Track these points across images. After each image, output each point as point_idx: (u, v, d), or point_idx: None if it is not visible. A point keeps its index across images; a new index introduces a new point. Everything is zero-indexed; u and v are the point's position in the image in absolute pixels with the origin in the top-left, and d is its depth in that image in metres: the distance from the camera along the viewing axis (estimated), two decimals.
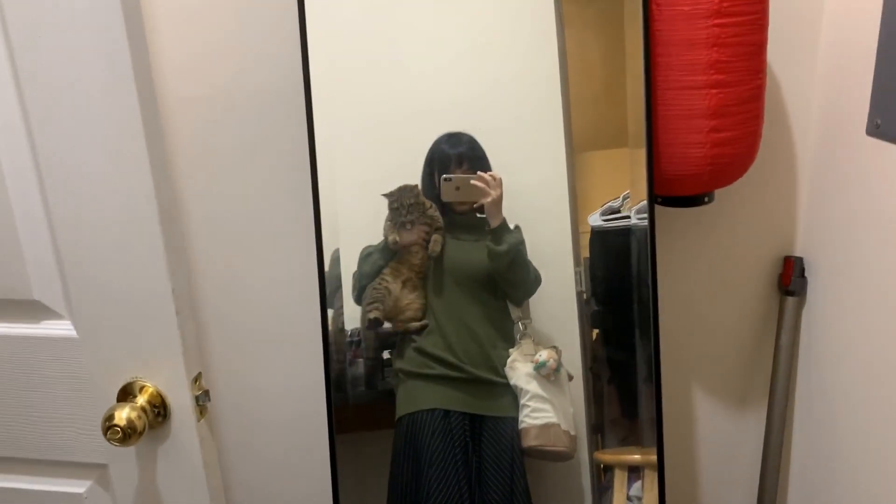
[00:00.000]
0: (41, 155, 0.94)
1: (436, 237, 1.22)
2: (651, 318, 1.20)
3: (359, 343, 1.26)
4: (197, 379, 1.02)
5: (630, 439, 1.27)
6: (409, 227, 1.20)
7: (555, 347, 1.24)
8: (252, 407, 1.45)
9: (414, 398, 1.25)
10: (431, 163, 1.21)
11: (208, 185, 1.31)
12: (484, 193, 1.19)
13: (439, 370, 1.23)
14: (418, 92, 1.21)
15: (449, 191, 1.20)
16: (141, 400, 1.00)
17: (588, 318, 1.25)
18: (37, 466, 1.10)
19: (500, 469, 1.23)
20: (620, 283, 1.23)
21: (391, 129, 1.22)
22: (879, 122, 1.04)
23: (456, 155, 1.20)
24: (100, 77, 0.89)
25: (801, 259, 1.31)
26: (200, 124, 1.27)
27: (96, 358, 1.01)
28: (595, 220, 1.22)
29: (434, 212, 1.21)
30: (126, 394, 1.01)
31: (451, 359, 1.23)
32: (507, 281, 1.23)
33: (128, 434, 0.96)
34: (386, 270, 1.23)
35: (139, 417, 0.97)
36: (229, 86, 1.25)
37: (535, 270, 1.22)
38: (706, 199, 1.20)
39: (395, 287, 1.22)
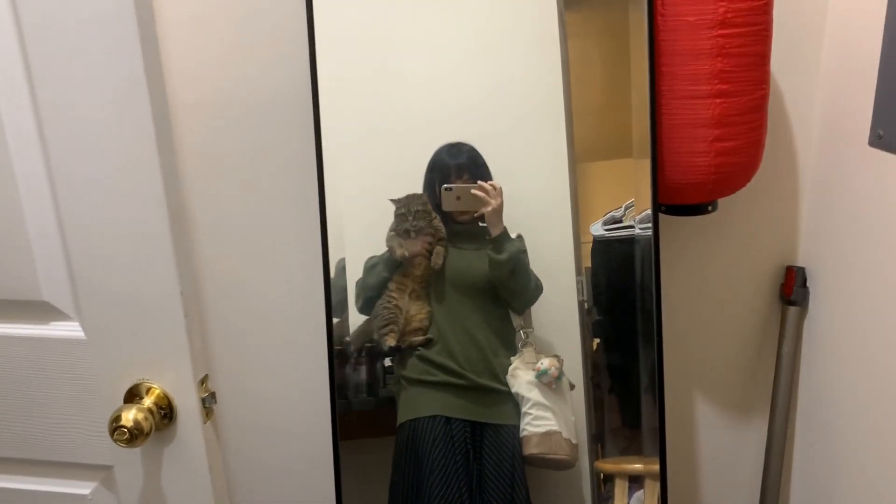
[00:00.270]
0: (53, 158, 0.95)
1: (438, 249, 1.22)
2: (654, 327, 1.20)
3: (361, 351, 1.26)
4: (203, 381, 1.02)
5: (631, 448, 1.27)
6: (413, 234, 1.21)
7: (556, 356, 1.24)
8: (255, 412, 1.45)
9: (415, 405, 1.25)
10: (432, 173, 1.21)
11: (215, 191, 1.31)
12: (484, 203, 1.20)
13: (441, 377, 1.24)
14: (422, 101, 1.22)
15: (450, 200, 1.20)
16: (148, 401, 1.00)
17: (589, 328, 1.25)
18: (42, 467, 1.09)
19: (501, 476, 1.23)
20: (622, 293, 1.23)
21: (395, 138, 1.23)
22: (882, 132, 1.05)
23: (456, 165, 1.21)
24: (112, 83, 0.90)
25: (803, 269, 1.32)
26: (208, 130, 1.28)
27: (104, 359, 1.01)
28: (597, 229, 1.23)
29: (438, 222, 1.22)
30: (133, 395, 1.01)
31: (452, 366, 1.23)
32: (508, 290, 1.23)
33: (134, 435, 0.96)
34: (391, 285, 1.23)
35: (146, 419, 0.97)
36: (236, 93, 1.26)
37: (537, 279, 1.23)
38: (709, 208, 1.20)
39: (403, 301, 1.23)
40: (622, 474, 1.27)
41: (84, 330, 1.01)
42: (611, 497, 1.27)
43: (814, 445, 1.34)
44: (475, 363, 1.24)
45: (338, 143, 1.20)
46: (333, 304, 1.24)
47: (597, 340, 1.26)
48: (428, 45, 1.22)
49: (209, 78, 1.25)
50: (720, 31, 1.05)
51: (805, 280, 1.31)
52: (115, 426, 0.96)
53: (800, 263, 1.34)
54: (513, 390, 1.24)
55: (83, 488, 1.11)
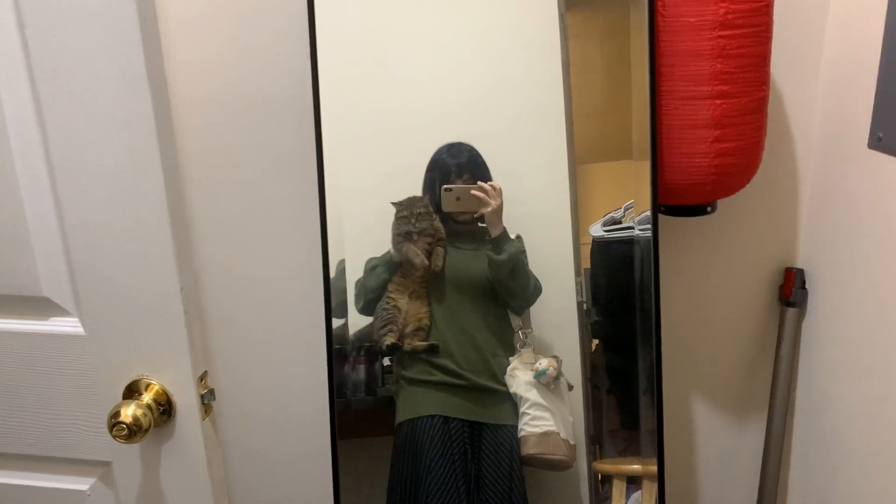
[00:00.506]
0: (54, 154, 0.95)
1: (438, 250, 1.22)
2: (653, 328, 1.20)
3: (360, 350, 1.27)
4: (203, 378, 1.02)
5: (629, 449, 1.27)
6: (415, 237, 1.21)
7: (555, 356, 1.24)
8: (254, 409, 1.45)
9: (414, 404, 1.25)
10: (433, 172, 1.22)
11: (216, 188, 1.31)
12: (484, 203, 1.20)
13: (440, 377, 1.23)
14: (423, 101, 1.22)
15: (449, 201, 1.21)
16: (147, 397, 1.00)
17: (588, 328, 1.25)
18: (40, 463, 1.09)
19: (499, 476, 1.23)
20: (621, 294, 1.23)
21: (395, 138, 1.23)
22: (881, 135, 1.05)
23: (457, 165, 1.21)
24: (114, 79, 0.90)
25: (802, 270, 1.32)
26: (208, 127, 1.28)
27: (103, 355, 1.01)
28: (596, 230, 1.23)
29: (438, 222, 1.22)
30: (132, 391, 1.01)
31: (451, 366, 1.23)
32: (507, 290, 1.23)
33: (133, 431, 0.96)
34: (390, 287, 1.24)
35: (145, 415, 0.97)
36: (237, 90, 1.26)
37: (536, 280, 1.23)
38: (708, 209, 1.20)
39: (402, 302, 1.23)
40: (620, 475, 1.27)
41: (84, 326, 1.01)
42: (608, 498, 1.27)
43: (812, 447, 1.34)
44: (474, 363, 1.24)
45: (338, 142, 1.20)
46: (334, 304, 1.24)
47: (595, 341, 1.26)
48: (429, 45, 1.22)
49: (210, 75, 1.25)
50: (721, 32, 1.05)
51: (804, 282, 1.32)
52: (113, 422, 0.96)
53: (799, 265, 1.34)
54: (511, 390, 1.24)
55: (82, 484, 1.10)
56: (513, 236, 1.22)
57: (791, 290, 1.31)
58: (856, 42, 1.14)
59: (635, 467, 1.26)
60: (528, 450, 1.22)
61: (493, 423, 1.24)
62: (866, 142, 1.10)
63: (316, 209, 1.21)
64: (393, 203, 1.22)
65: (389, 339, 1.23)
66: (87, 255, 0.98)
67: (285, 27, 1.22)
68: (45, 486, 1.10)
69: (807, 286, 1.32)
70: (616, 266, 1.23)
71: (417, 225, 1.21)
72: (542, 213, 1.24)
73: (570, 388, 1.25)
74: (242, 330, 1.40)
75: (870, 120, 1.08)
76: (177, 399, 1.02)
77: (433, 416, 1.23)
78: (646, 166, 1.14)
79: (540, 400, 1.22)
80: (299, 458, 1.47)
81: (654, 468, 1.23)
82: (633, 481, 1.27)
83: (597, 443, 1.27)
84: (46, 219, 0.98)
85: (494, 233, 1.21)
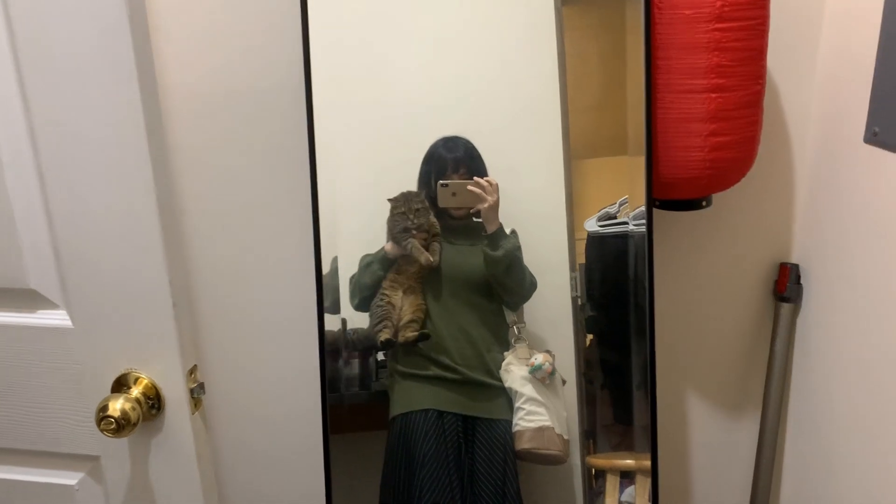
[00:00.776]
0: (40, 143, 0.94)
1: (434, 246, 1.22)
2: (647, 323, 1.20)
3: (354, 344, 1.26)
4: (192, 371, 1.02)
5: (623, 444, 1.27)
6: (413, 232, 1.20)
7: (548, 351, 1.24)
8: (246, 403, 1.44)
9: (408, 399, 1.25)
10: (428, 165, 1.21)
11: (207, 181, 1.30)
12: (480, 199, 1.20)
13: (434, 371, 1.23)
14: (417, 95, 1.21)
15: (445, 196, 1.20)
16: (136, 391, 0.99)
17: (582, 323, 1.25)
18: (28, 457, 1.09)
19: (493, 471, 1.23)
20: (616, 289, 1.23)
21: (389, 132, 1.22)
22: (877, 130, 1.05)
23: (453, 159, 1.20)
24: (102, 67, 0.89)
25: (796, 266, 1.31)
26: (200, 119, 1.27)
27: (91, 348, 1.01)
28: (591, 225, 1.22)
29: (433, 218, 1.22)
30: (120, 385, 1.01)
31: (446, 360, 1.23)
32: (502, 286, 1.23)
33: (122, 425, 0.95)
34: (385, 283, 1.23)
35: (133, 409, 0.97)
36: (228, 82, 1.25)
37: (531, 275, 1.23)
38: (704, 204, 1.20)
39: (397, 298, 1.23)
40: (613, 470, 1.27)
41: (71, 318, 1.01)
42: (602, 492, 1.27)
43: (806, 441, 1.34)
44: (468, 358, 1.24)
45: (331, 135, 1.19)
46: (328, 301, 1.23)
47: (590, 336, 1.26)
48: (424, 38, 1.21)
49: (201, 66, 1.24)
50: (717, 25, 1.04)
51: (799, 277, 1.31)
52: (102, 416, 0.95)
53: (794, 260, 1.34)
54: (506, 385, 1.23)
55: (70, 479, 1.10)
56: (507, 231, 1.21)
57: (785, 285, 1.31)
58: (852, 36, 1.14)
59: (629, 462, 1.26)
60: (523, 444, 1.22)
61: (488, 417, 1.24)
62: (862, 136, 1.09)
63: (308, 202, 1.20)
64: (389, 199, 1.21)
65: (384, 336, 1.22)
66: (75, 247, 0.97)
67: (278, 17, 1.21)
68: (32, 481, 1.10)
69: (801, 281, 1.31)
70: (610, 261, 1.23)
71: (416, 221, 1.20)
72: (537, 208, 1.24)
73: (563, 382, 1.25)
74: (234, 324, 1.39)
75: (865, 114, 1.07)
76: (166, 393, 1.01)
77: (427, 411, 1.23)
78: (641, 161, 1.14)
79: (535, 395, 1.22)
80: (291, 452, 1.47)
81: (648, 463, 1.23)
82: (627, 476, 1.27)
83: (590, 437, 1.27)
84: (33, 210, 0.97)
85: (490, 229, 1.21)
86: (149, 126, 0.91)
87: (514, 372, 1.23)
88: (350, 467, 1.27)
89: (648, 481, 1.25)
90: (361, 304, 1.24)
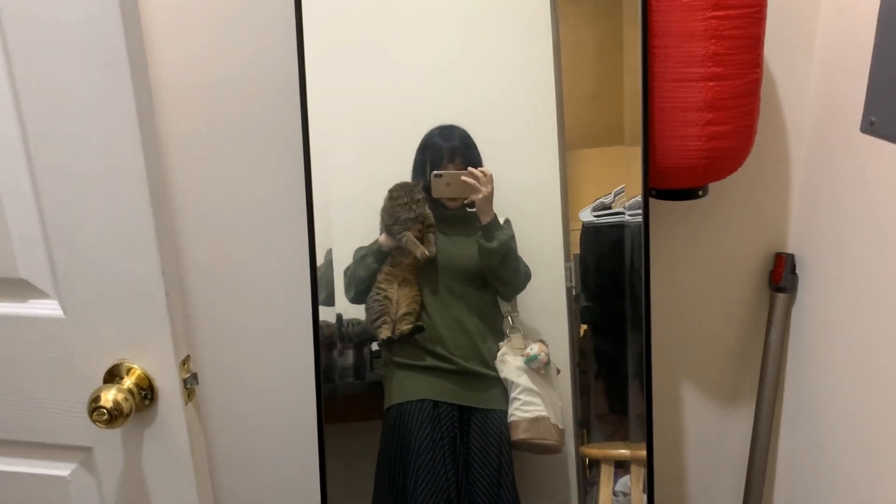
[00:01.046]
0: (30, 132, 0.93)
1: (430, 237, 1.21)
2: (643, 313, 1.20)
3: (351, 338, 1.26)
4: (185, 362, 1.01)
5: (617, 434, 1.27)
6: (410, 224, 1.20)
7: (543, 342, 1.24)
8: (240, 394, 1.44)
9: (403, 389, 1.25)
10: (423, 154, 1.20)
11: (200, 172, 1.30)
12: (475, 190, 1.19)
13: (429, 362, 1.23)
14: (412, 85, 1.21)
15: (439, 187, 1.19)
16: (128, 382, 0.99)
17: (577, 314, 1.24)
18: (20, 448, 1.08)
19: (488, 461, 1.23)
20: (611, 279, 1.23)
21: (384, 122, 1.21)
22: (874, 119, 1.05)
23: (448, 148, 1.20)
24: (94, 56, 0.88)
25: (792, 256, 1.31)
26: (193, 110, 1.26)
27: (83, 338, 1.00)
28: (586, 215, 1.22)
29: (428, 209, 1.21)
30: (113, 375, 1.00)
31: (441, 351, 1.23)
32: (497, 277, 1.23)
33: (114, 416, 0.94)
34: (380, 276, 1.23)
35: (126, 399, 0.96)
36: (222, 72, 1.24)
37: (526, 266, 1.22)
38: (700, 193, 1.20)
39: (393, 292, 1.22)
40: (608, 459, 1.27)
41: (63, 308, 1.00)
42: (596, 482, 1.27)
43: (800, 431, 1.35)
44: (463, 348, 1.23)
45: (325, 125, 1.18)
46: (324, 295, 1.23)
47: (584, 326, 1.26)
48: (419, 27, 1.20)
49: (195, 57, 1.23)
50: (714, 13, 1.04)
51: (794, 267, 1.31)
52: (94, 406, 0.95)
53: (789, 250, 1.34)
54: (501, 375, 1.23)
55: (62, 469, 1.09)
56: (501, 221, 1.21)
57: (781, 275, 1.31)
58: (849, 26, 1.13)
59: (623, 452, 1.27)
60: (519, 434, 1.22)
61: (483, 407, 1.24)
62: (859, 126, 1.09)
63: (302, 193, 1.19)
64: (390, 189, 1.20)
65: (384, 333, 1.22)
66: (66, 236, 0.96)
67: (271, 7, 1.20)
68: (24, 472, 1.09)
69: (797, 271, 1.31)
70: (605, 251, 1.23)
71: (416, 210, 1.19)
72: (532, 199, 1.23)
73: (558, 372, 1.25)
74: (228, 315, 1.39)
75: (862, 104, 1.07)
76: (158, 383, 1.00)
77: (422, 401, 1.23)
78: (637, 151, 1.14)
79: (531, 385, 1.22)
80: (286, 442, 1.47)
81: (642, 453, 1.24)
82: (621, 465, 1.27)
83: (585, 427, 1.27)
84: (23, 198, 0.96)
85: (485, 220, 1.20)
86: (140, 115, 0.90)
87: (510, 362, 1.23)
88: (345, 457, 1.27)
89: (643, 471, 1.25)
90: (357, 297, 1.24)
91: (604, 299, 1.25)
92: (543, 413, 1.22)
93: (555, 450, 1.24)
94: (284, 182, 1.29)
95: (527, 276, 1.23)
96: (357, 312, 1.25)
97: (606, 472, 1.27)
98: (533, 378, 1.23)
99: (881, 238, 1.06)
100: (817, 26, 1.22)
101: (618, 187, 1.20)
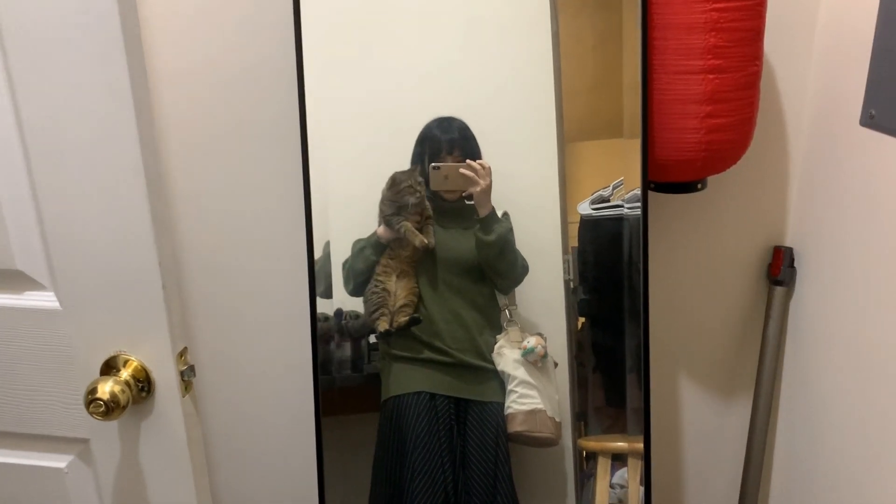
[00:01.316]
0: (26, 122, 0.92)
1: (428, 229, 1.21)
2: (642, 306, 1.20)
3: (349, 332, 1.26)
4: (182, 354, 1.00)
5: (614, 427, 1.27)
6: (412, 210, 1.19)
7: (540, 334, 1.23)
8: (237, 386, 1.44)
9: (400, 381, 1.25)
10: (422, 146, 1.20)
11: (197, 163, 1.29)
12: (473, 182, 1.19)
13: (427, 354, 1.24)
14: (411, 77, 1.20)
15: (438, 179, 1.19)
16: (125, 374, 0.98)
17: (575, 307, 1.24)
18: (16, 440, 1.07)
19: (485, 453, 1.23)
20: (609, 272, 1.23)
21: (382, 114, 1.21)
22: (874, 112, 1.04)
23: (447, 140, 1.19)
24: (89, 45, 0.87)
25: (790, 249, 1.31)
26: (190, 99, 1.25)
27: (80, 330, 0.99)
28: (585, 208, 1.22)
29: (426, 201, 1.21)
30: (109, 367, 0.99)
31: (438, 344, 1.23)
32: (495, 270, 1.23)
33: (111, 408, 0.94)
34: (378, 269, 1.23)
35: (123, 391, 0.95)
36: (220, 63, 1.23)
37: (523, 259, 1.22)
38: (699, 186, 1.20)
39: (391, 284, 1.22)
40: (605, 452, 1.28)
41: (59, 300, 0.99)
42: (593, 475, 1.28)
43: (797, 425, 1.35)
44: (461, 341, 1.24)
45: (323, 116, 1.18)
46: (321, 288, 1.23)
47: (582, 319, 1.26)
48: (418, 19, 1.20)
49: (192, 46, 1.22)
50: (714, 5, 1.04)
51: (792, 260, 1.31)
52: (90, 398, 0.94)
53: (788, 243, 1.34)
54: (498, 368, 1.24)
55: (59, 462, 1.09)
56: (499, 213, 1.21)
57: (779, 268, 1.31)
58: (849, 19, 1.13)
59: (620, 444, 1.27)
60: (516, 427, 1.23)
61: (479, 400, 1.24)
62: (858, 119, 1.09)
63: (300, 184, 1.19)
64: (391, 177, 1.19)
65: (383, 326, 1.22)
66: (63, 227, 0.95)
67: (271, 2, 1.19)
68: (21, 464, 1.09)
69: (795, 265, 1.31)
70: (604, 244, 1.23)
71: (420, 192, 1.19)
72: (530, 192, 1.23)
73: (556, 365, 1.25)
74: (226, 307, 1.38)
75: (862, 97, 1.07)
76: (156, 375, 1.00)
77: (419, 393, 1.23)
78: (636, 144, 1.13)
79: (528, 378, 1.22)
80: (284, 434, 1.47)
81: (640, 445, 1.24)
82: (618, 458, 1.27)
83: (582, 420, 1.27)
84: (19, 189, 0.95)
85: (483, 213, 1.20)
86: (137, 106, 0.89)
87: (507, 355, 1.23)
88: (342, 449, 1.27)
89: (640, 464, 1.25)
90: (356, 290, 1.24)
91: (602, 292, 1.25)
92: (540, 406, 1.22)
93: (551, 442, 1.24)
94: (282, 175, 1.28)
95: (524, 270, 1.23)
96: (354, 305, 1.25)
97: (603, 465, 1.28)
98: (530, 371, 1.23)
99: (880, 232, 1.06)
100: (817, 19, 1.21)
101: (616, 180, 1.19)
